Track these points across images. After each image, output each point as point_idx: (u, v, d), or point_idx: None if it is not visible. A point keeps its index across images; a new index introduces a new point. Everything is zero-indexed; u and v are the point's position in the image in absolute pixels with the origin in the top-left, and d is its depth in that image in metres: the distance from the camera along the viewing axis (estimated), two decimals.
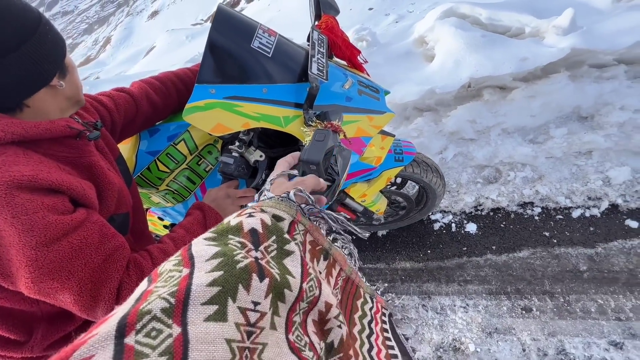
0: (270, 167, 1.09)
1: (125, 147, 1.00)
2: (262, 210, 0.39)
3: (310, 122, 0.86)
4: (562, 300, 1.35)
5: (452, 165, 1.94)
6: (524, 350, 1.27)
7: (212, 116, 0.82)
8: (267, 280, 0.31)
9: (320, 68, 0.88)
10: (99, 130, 0.76)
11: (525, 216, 1.67)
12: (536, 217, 1.64)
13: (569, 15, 1.80)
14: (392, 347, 0.58)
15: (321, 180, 0.57)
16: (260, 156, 0.94)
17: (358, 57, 1.17)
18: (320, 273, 0.46)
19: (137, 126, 0.95)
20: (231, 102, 0.83)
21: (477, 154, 1.88)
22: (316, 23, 1.10)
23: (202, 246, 0.32)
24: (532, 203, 1.70)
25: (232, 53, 0.82)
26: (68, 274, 0.52)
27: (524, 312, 1.36)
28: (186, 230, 0.77)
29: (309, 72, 0.84)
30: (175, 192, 1.07)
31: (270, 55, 0.86)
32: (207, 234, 0.35)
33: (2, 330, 0.60)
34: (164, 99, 0.95)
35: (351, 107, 1.03)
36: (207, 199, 0.88)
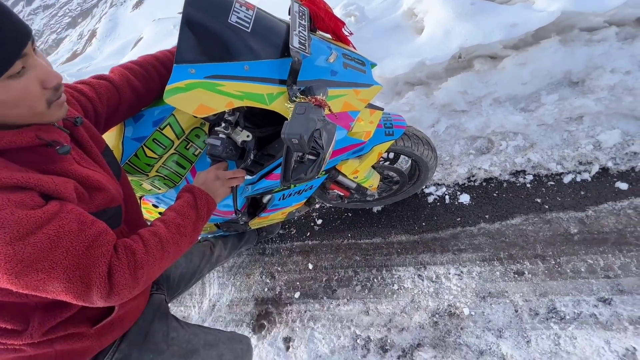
0: (259, 146, 1.09)
1: (111, 135, 0.99)
2: None
3: (295, 98, 0.85)
4: (553, 262, 1.39)
5: (445, 137, 1.94)
6: (516, 311, 1.31)
7: (194, 97, 0.81)
8: None
9: (302, 41, 0.86)
10: (80, 126, 0.74)
11: (518, 184, 1.68)
12: (528, 185, 1.66)
13: None
14: None
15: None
16: (248, 136, 0.93)
17: (343, 29, 1.14)
18: None
19: (121, 114, 0.93)
20: (213, 81, 0.81)
21: (469, 125, 1.88)
22: None
23: None
24: (524, 171, 1.71)
25: (210, 29, 0.80)
26: (51, 264, 0.52)
27: (516, 275, 1.40)
28: (177, 212, 0.77)
29: (290, 45, 0.82)
30: (166, 177, 1.07)
31: (249, 31, 0.84)
32: None
33: None
34: (145, 83, 0.93)
35: (336, 81, 1.01)
36: (197, 182, 0.87)
